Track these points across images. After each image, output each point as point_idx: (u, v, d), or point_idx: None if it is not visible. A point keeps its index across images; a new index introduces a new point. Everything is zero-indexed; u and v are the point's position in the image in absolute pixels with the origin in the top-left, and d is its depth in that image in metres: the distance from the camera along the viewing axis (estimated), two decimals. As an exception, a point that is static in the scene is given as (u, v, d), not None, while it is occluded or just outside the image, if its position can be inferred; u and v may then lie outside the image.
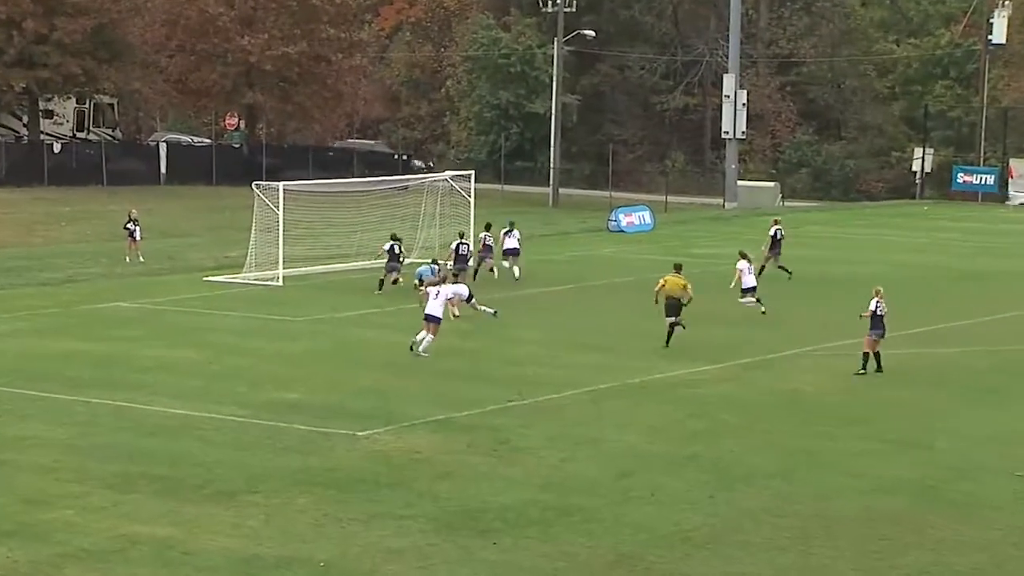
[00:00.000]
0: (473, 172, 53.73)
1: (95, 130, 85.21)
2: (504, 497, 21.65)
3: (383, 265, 42.44)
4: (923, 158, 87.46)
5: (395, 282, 41.96)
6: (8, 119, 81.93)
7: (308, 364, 31.83)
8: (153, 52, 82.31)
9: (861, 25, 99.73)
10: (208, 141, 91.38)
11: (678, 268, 34.62)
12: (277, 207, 44.39)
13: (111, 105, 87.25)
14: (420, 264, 41.75)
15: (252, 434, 25.26)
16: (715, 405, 28.22)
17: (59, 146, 79.07)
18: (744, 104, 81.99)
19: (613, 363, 32.11)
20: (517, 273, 44.98)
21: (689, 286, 33.98)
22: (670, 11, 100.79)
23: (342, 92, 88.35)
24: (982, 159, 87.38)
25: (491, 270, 44.60)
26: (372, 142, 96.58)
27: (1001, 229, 67.85)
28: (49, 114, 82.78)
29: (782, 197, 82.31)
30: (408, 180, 57.09)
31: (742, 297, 38.59)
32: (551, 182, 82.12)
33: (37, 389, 28.56)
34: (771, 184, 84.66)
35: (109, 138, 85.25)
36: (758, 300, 38.36)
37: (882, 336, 31.11)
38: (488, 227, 45.44)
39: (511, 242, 45.57)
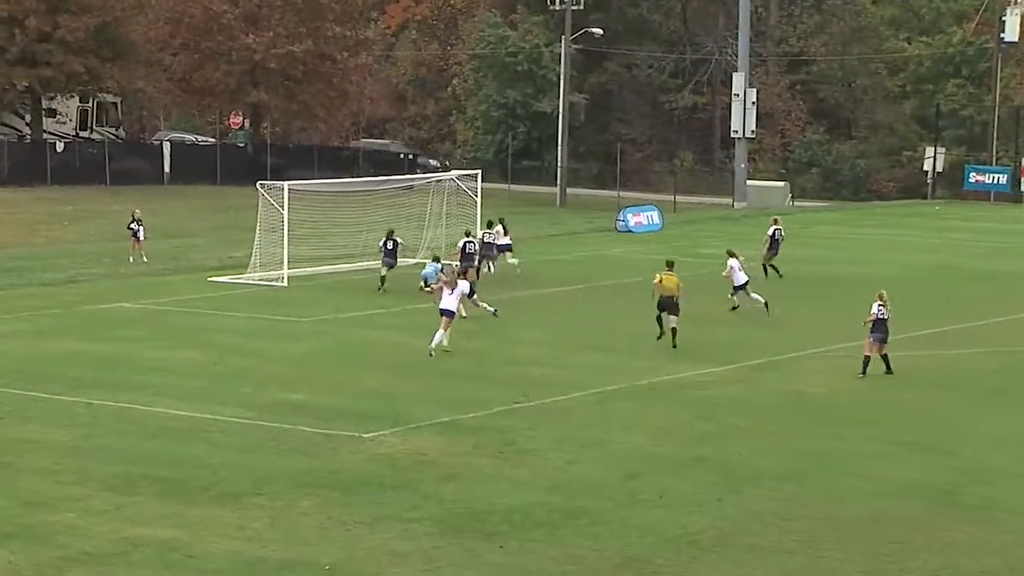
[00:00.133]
0: (480, 171, 53.68)
1: (98, 129, 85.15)
2: (510, 499, 21.49)
3: (380, 262, 42.60)
4: (935, 157, 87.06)
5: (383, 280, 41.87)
6: (11, 118, 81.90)
7: (313, 365, 31.68)
8: (157, 50, 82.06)
9: (872, 23, 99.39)
10: (212, 140, 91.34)
11: (670, 265, 34.51)
12: (281, 207, 44.27)
13: (114, 104, 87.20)
14: (424, 265, 41.71)
15: (256, 436, 25.11)
16: (723, 407, 28.04)
17: (62, 145, 78.94)
18: (754, 103, 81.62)
19: (620, 364, 31.95)
20: (516, 263, 45.46)
21: (680, 284, 33.91)
22: (679, 9, 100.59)
23: (347, 91, 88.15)
24: (994, 158, 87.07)
25: (488, 268, 44.57)
26: (387, 142, 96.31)
27: (1014, 229, 67.47)
28: (52, 113, 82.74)
29: (792, 197, 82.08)
30: (414, 180, 56.94)
31: (733, 294, 38.84)
32: (558, 181, 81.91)
33: (39, 390, 28.42)
34: (781, 184, 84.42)
35: (112, 137, 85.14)
36: (764, 302, 38.27)
37: (884, 341, 30.87)
38: (490, 224, 45.92)
39: (504, 239, 46.02)
